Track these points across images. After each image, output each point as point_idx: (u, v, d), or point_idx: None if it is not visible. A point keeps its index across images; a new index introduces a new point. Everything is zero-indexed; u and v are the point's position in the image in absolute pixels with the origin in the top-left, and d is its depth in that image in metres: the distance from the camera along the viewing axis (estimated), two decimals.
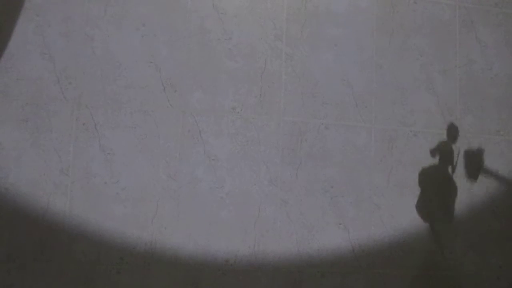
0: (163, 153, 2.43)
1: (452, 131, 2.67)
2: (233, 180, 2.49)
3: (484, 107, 2.86)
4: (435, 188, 2.68)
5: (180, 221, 2.42)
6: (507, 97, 2.90)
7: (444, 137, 2.77)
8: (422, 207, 2.64)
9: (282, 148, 2.57)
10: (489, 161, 2.77)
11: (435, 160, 2.69)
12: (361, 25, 2.74)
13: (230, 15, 2.58)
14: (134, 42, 2.46)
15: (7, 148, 2.28)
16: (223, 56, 2.55)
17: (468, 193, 2.74)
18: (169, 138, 2.45)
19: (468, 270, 2.74)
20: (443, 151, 2.67)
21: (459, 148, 2.70)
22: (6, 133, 2.28)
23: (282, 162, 2.56)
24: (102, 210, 2.35)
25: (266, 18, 2.61)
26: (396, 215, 2.67)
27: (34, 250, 2.27)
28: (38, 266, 2.26)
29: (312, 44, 2.66)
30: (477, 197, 2.74)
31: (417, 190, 2.69)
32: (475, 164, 2.71)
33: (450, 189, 2.69)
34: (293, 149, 2.58)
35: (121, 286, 2.33)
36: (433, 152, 2.67)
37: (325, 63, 2.67)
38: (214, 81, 2.52)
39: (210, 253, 2.44)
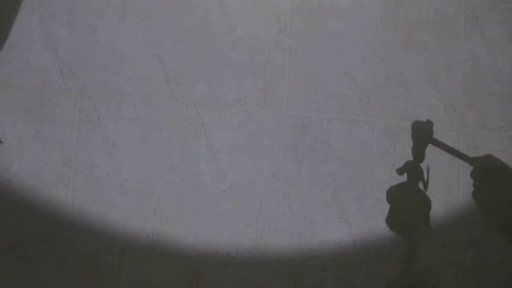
0: (165, 145, 2.43)
1: (420, 155, 2.69)
2: (235, 173, 2.49)
3: (488, 103, 2.86)
4: (405, 204, 2.68)
5: (182, 213, 2.42)
6: (511, 93, 2.89)
7: (447, 133, 2.76)
8: (393, 222, 2.64)
9: (284, 141, 2.56)
10: None
11: (403, 178, 2.69)
12: (365, 19, 2.73)
13: (234, 8, 2.57)
14: (137, 33, 2.45)
15: (10, 139, 2.28)
16: (227, 49, 2.54)
17: (470, 188, 2.74)
18: (172, 130, 2.44)
19: (469, 266, 2.74)
20: (411, 169, 2.68)
21: (428, 165, 2.70)
22: (9, 123, 2.28)
23: (285, 155, 2.56)
24: (104, 201, 2.35)
25: (270, 11, 2.61)
26: None
27: (36, 241, 2.27)
28: (40, 257, 2.27)
29: (316, 37, 2.66)
30: (478, 193, 2.73)
31: (419, 185, 2.69)
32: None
33: (422, 203, 2.70)
34: (296, 143, 2.58)
35: (122, 277, 2.34)
36: (400, 171, 2.68)
37: (328, 57, 2.66)
38: (217, 74, 2.52)
39: (212, 246, 2.44)
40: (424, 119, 2.74)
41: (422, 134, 2.67)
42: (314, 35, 2.65)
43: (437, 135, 2.74)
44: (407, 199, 2.66)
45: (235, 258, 2.46)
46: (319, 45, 2.65)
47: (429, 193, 2.70)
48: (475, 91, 2.84)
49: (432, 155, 2.71)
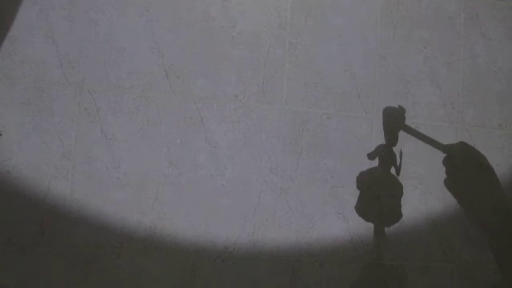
0: (164, 140, 2.44)
1: (393, 138, 2.62)
2: (233, 167, 2.50)
3: (487, 100, 2.86)
4: (375, 189, 2.64)
5: (180, 207, 2.43)
6: (510, 91, 2.90)
7: (446, 130, 2.77)
8: (362, 208, 2.61)
9: (283, 137, 2.57)
10: (490, 155, 2.75)
11: (374, 163, 2.65)
12: (366, 15, 2.73)
13: (234, 3, 2.57)
14: (137, 27, 2.45)
15: (9, 131, 2.28)
16: (227, 43, 2.55)
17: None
18: (171, 124, 2.45)
19: (466, 263, 2.75)
20: (383, 154, 2.64)
21: (401, 149, 2.67)
22: (9, 116, 2.29)
23: (283, 151, 2.56)
24: (102, 194, 2.36)
25: (270, 6, 2.61)
26: None
27: (34, 233, 2.28)
28: (38, 249, 2.27)
29: (316, 33, 2.66)
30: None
31: (417, 182, 2.70)
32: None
33: (393, 189, 2.65)
34: (294, 139, 2.58)
35: (120, 270, 2.35)
36: (371, 156, 2.63)
37: (328, 53, 2.66)
38: (217, 69, 2.52)
39: (210, 240, 2.45)
40: (422, 116, 2.74)
41: (394, 120, 2.61)
42: (314, 30, 2.65)
43: (436, 132, 2.74)
44: (377, 185, 2.62)
45: (233, 253, 2.47)
46: (319, 41, 2.66)
47: (426, 189, 2.70)
48: (475, 89, 2.85)
49: (431, 152, 2.71)
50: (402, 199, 2.69)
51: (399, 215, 2.61)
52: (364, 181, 2.59)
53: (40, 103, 2.32)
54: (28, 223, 2.27)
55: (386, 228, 2.61)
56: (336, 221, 2.60)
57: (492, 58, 2.89)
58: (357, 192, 2.68)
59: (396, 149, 2.66)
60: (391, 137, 2.62)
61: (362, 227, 2.62)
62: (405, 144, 2.71)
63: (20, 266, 2.25)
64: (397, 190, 2.64)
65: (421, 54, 2.79)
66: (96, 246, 2.33)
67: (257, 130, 2.54)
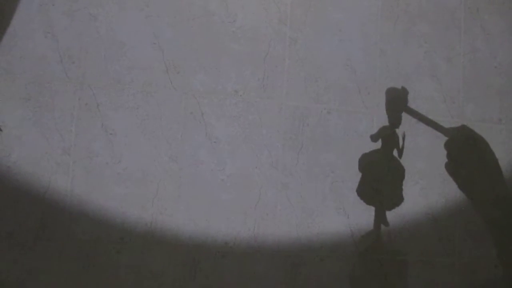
0: (165, 135, 2.44)
1: (396, 120, 2.60)
2: (234, 162, 2.50)
3: (487, 95, 2.86)
4: (377, 172, 2.64)
5: (180, 202, 2.43)
6: (510, 86, 2.89)
7: (446, 125, 2.76)
8: (364, 191, 2.60)
9: (283, 132, 2.57)
10: None
11: (377, 145, 2.64)
12: (366, 10, 2.72)
13: None
14: (137, 22, 2.45)
15: (9, 126, 2.28)
16: (227, 38, 2.54)
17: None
18: (171, 119, 2.45)
19: (466, 258, 2.75)
20: (386, 136, 2.63)
21: (404, 132, 2.66)
22: (9, 111, 2.29)
23: (284, 146, 2.56)
24: (103, 190, 2.36)
25: (270, 1, 2.60)
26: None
27: (35, 229, 2.28)
28: (39, 244, 2.28)
29: (316, 28, 2.65)
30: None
31: (417, 177, 2.70)
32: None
33: (395, 172, 2.64)
34: (295, 133, 2.58)
35: (120, 265, 2.35)
36: (374, 138, 2.63)
37: (328, 48, 2.66)
38: (217, 64, 2.52)
39: (210, 235, 2.45)
40: (423, 111, 2.73)
41: (397, 101, 2.60)
42: (314, 25, 2.65)
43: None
44: (379, 167, 2.61)
45: (233, 248, 2.47)
46: (319, 36, 2.65)
47: (427, 184, 2.70)
48: (475, 83, 2.84)
49: (431, 147, 2.72)
50: (404, 186, 2.70)
51: (400, 199, 2.61)
52: (367, 163, 2.60)
53: (40, 98, 2.32)
54: (29, 218, 2.27)
55: (386, 221, 2.62)
56: (337, 215, 2.60)
57: (493, 53, 2.89)
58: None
59: (399, 131, 2.67)
60: (394, 119, 2.62)
61: (363, 222, 2.62)
62: (406, 139, 2.72)
63: (21, 261, 2.25)
64: (398, 173, 2.64)
65: (421, 49, 2.79)
66: (97, 241, 2.33)
67: (258, 125, 2.54)
